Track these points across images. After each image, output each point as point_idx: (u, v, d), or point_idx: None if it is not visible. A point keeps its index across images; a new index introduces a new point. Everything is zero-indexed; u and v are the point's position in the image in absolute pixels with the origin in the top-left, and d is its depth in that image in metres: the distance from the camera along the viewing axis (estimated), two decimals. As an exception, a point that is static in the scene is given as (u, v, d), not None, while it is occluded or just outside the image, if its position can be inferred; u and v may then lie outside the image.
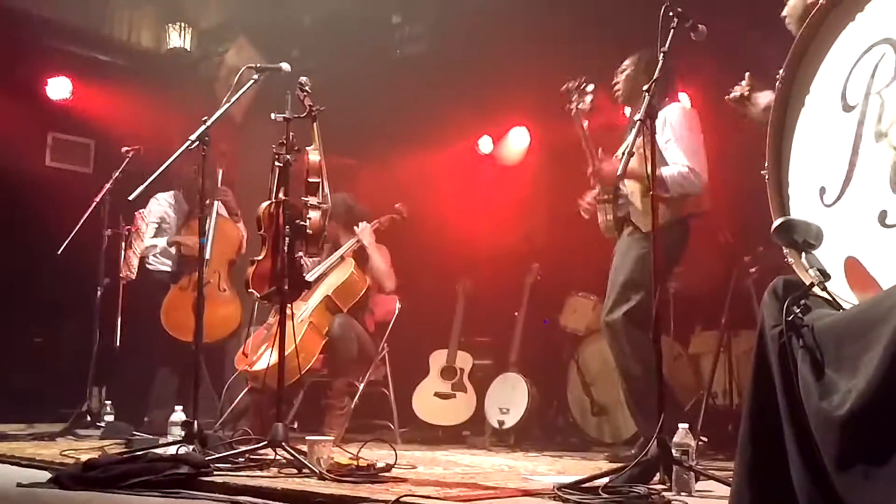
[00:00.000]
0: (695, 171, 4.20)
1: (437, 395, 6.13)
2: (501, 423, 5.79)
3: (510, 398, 5.84)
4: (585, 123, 4.35)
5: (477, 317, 6.60)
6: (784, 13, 3.66)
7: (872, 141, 2.00)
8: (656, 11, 3.31)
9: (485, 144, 7.45)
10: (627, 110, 5.51)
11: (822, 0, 2.18)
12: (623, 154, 4.41)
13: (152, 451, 3.54)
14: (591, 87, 4.38)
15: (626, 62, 4.57)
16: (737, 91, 3.72)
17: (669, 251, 4.15)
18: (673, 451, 2.99)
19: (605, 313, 4.38)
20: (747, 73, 3.68)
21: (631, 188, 4.39)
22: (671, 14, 3.29)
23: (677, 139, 4.27)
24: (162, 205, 6.11)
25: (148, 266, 6.04)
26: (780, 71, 2.31)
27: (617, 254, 4.45)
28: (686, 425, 3.18)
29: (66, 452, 3.99)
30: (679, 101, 4.52)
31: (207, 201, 5.70)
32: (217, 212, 5.79)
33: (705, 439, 4.76)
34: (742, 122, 3.80)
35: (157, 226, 6.09)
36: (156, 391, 5.74)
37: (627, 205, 4.42)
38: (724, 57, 4.92)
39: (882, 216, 1.95)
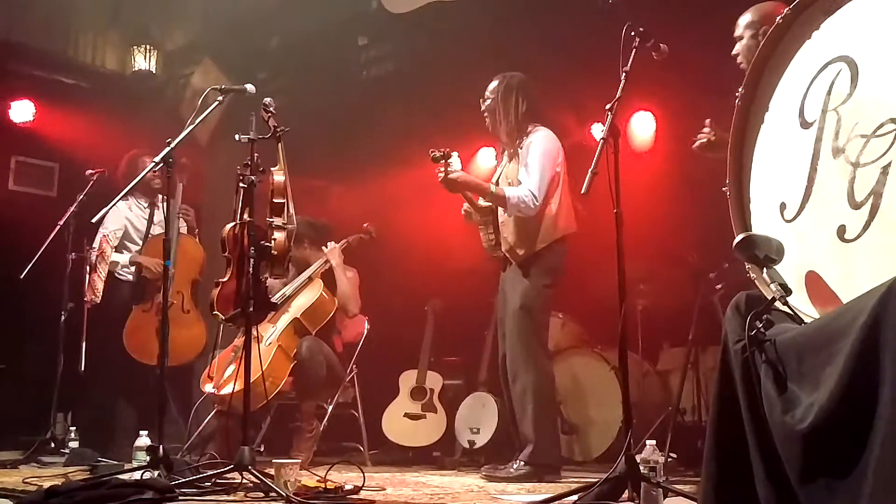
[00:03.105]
0: (534, 196, 4.53)
1: (407, 415, 6.10)
2: (472, 442, 5.76)
3: (480, 418, 5.82)
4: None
5: (446, 336, 6.58)
6: (735, 51, 3.74)
7: (830, 157, 2.03)
8: (617, 36, 3.35)
9: (454, 163, 7.45)
10: (595, 129, 5.59)
11: (778, 18, 2.21)
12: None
13: (116, 476, 3.48)
14: (455, 155, 4.66)
15: (489, 86, 4.85)
16: (702, 138, 3.77)
17: (546, 275, 4.62)
18: (641, 467, 2.99)
19: (507, 344, 4.63)
20: (708, 120, 3.74)
21: (503, 218, 4.68)
22: (633, 34, 3.32)
23: (532, 162, 4.60)
24: (120, 213, 6.00)
25: (118, 276, 5.95)
26: (740, 88, 2.34)
27: (506, 282, 4.72)
28: (654, 441, 3.19)
29: (28, 480, 3.91)
30: (546, 128, 4.77)
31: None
32: (178, 230, 5.74)
33: (674, 455, 4.78)
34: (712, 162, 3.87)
35: (120, 234, 6.01)
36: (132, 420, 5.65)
37: (502, 235, 4.69)
38: (691, 76, 4.99)
39: (841, 231, 1.97)
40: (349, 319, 5.66)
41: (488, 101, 4.82)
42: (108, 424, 5.75)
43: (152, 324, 5.36)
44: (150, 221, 6.03)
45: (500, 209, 4.70)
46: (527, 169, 4.59)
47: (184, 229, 5.85)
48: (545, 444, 4.47)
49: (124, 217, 5.99)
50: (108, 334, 5.77)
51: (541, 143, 4.64)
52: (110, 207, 3.88)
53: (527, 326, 4.58)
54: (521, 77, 4.82)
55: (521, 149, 4.68)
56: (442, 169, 4.57)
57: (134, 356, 5.60)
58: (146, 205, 6.04)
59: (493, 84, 4.83)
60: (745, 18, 3.70)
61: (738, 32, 3.73)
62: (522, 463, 4.39)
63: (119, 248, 5.98)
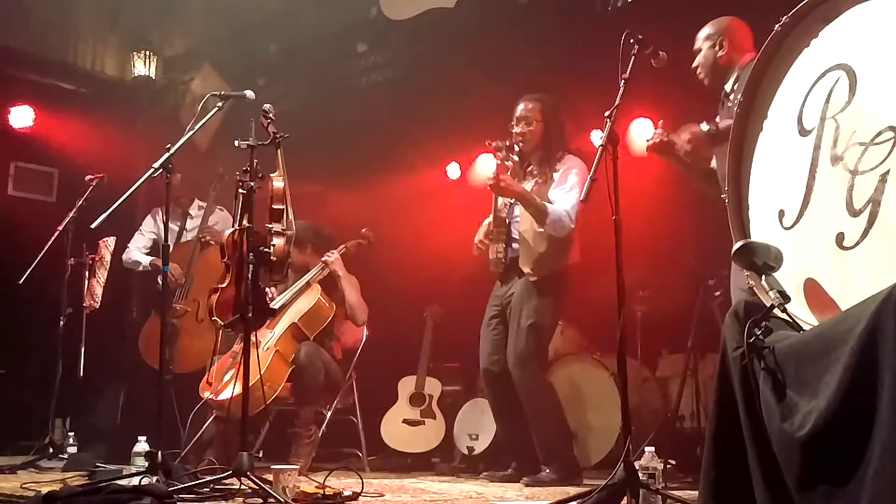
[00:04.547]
0: (570, 217, 4.60)
1: (405, 421, 6.09)
2: (471, 449, 5.75)
3: (479, 424, 5.81)
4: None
5: (445, 342, 6.57)
6: (695, 64, 3.80)
7: (828, 165, 2.03)
8: (616, 43, 3.35)
9: (452, 171, 7.45)
10: (594, 136, 5.60)
11: (777, 26, 2.22)
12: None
13: (115, 482, 3.47)
14: (515, 158, 4.76)
15: (529, 107, 4.82)
16: (655, 139, 3.82)
17: (560, 297, 4.76)
18: (640, 474, 2.99)
19: (511, 357, 4.67)
20: (660, 121, 3.80)
21: (524, 233, 4.74)
22: (632, 41, 3.33)
23: (570, 186, 4.67)
24: (158, 220, 6.21)
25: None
26: (738, 96, 2.34)
27: (515, 295, 4.75)
28: (653, 448, 3.19)
29: (27, 485, 3.91)
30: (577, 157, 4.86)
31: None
32: (201, 240, 6.00)
33: (673, 462, 4.78)
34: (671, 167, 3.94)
35: (152, 240, 6.27)
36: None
37: (518, 250, 4.75)
38: (690, 83, 4.99)
39: (839, 238, 1.97)
40: (350, 324, 5.65)
41: (533, 125, 4.78)
42: (108, 429, 5.76)
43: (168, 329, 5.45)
44: (182, 230, 6.28)
45: (511, 226, 4.79)
46: (564, 191, 4.66)
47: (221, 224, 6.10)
48: (570, 463, 4.63)
49: (159, 224, 6.17)
50: (107, 340, 5.79)
51: (579, 171, 4.71)
52: (109, 213, 3.87)
53: (538, 348, 4.70)
54: (554, 102, 4.89)
55: (557, 172, 4.75)
56: (500, 156, 4.68)
57: (146, 360, 5.74)
58: (179, 213, 6.27)
59: (532, 105, 4.81)
60: (704, 32, 3.82)
61: (697, 45, 3.81)
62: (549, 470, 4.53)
63: (150, 253, 6.24)
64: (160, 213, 6.22)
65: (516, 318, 4.70)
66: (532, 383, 4.66)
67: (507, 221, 4.81)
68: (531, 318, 4.64)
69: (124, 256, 6.20)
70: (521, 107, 4.82)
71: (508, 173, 4.71)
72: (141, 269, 6.20)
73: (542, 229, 4.63)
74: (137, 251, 6.26)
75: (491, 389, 4.88)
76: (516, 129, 4.80)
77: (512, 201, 4.81)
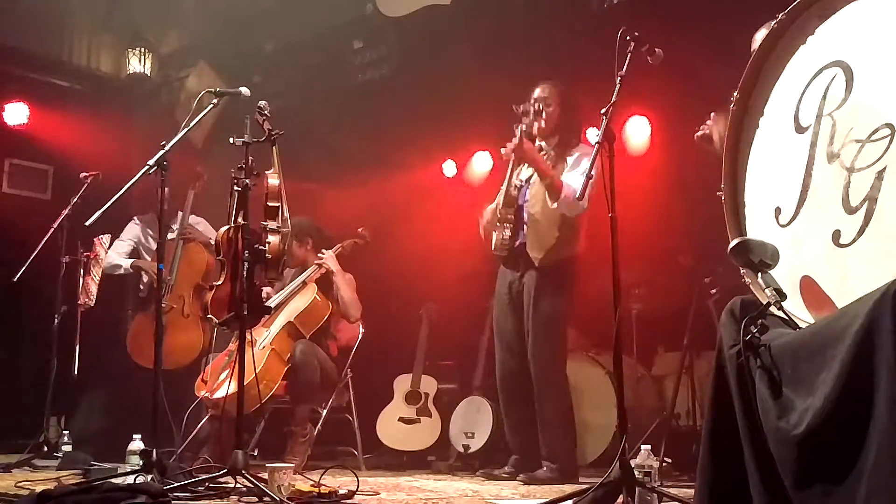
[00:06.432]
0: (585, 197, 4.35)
1: (401, 420, 6.09)
2: (467, 447, 5.75)
3: (475, 422, 5.81)
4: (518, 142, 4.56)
5: (441, 341, 6.57)
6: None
7: (825, 162, 2.03)
8: (612, 41, 3.34)
9: (448, 168, 7.45)
10: (590, 133, 5.59)
11: (773, 23, 2.21)
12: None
13: (109, 480, 3.46)
14: (542, 125, 4.63)
15: (547, 90, 4.76)
16: (705, 129, 3.75)
17: (571, 287, 4.68)
18: (636, 472, 2.99)
19: (532, 351, 4.62)
20: (713, 113, 3.72)
21: (536, 215, 4.64)
22: (628, 38, 3.31)
23: (584, 172, 4.44)
24: (137, 225, 6.13)
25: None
26: (735, 93, 2.33)
27: (527, 286, 4.68)
28: (649, 446, 3.19)
29: (21, 483, 3.91)
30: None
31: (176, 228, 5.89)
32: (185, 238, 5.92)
33: (669, 460, 4.78)
34: (710, 157, 3.86)
35: (132, 246, 6.13)
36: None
37: (526, 235, 4.68)
38: (686, 81, 4.99)
39: (836, 236, 1.96)
40: (346, 323, 5.64)
41: (551, 107, 4.71)
42: (102, 427, 5.74)
43: (153, 328, 5.41)
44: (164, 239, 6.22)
45: (522, 209, 4.71)
46: (577, 173, 4.53)
47: (201, 227, 6.04)
48: (571, 464, 4.59)
49: (139, 233, 6.13)
50: (101, 338, 5.77)
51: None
52: (104, 210, 3.86)
53: (558, 341, 4.66)
54: (571, 90, 4.83)
55: (571, 157, 4.67)
56: (527, 122, 4.56)
57: (136, 360, 5.66)
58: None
59: (550, 89, 4.76)
60: (762, 33, 3.66)
61: (754, 47, 3.68)
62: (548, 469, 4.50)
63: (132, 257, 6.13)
64: (141, 221, 6.21)
65: (532, 311, 4.64)
66: (550, 378, 4.62)
67: (519, 203, 4.74)
68: (549, 313, 4.60)
69: (104, 263, 6.02)
70: (538, 89, 4.78)
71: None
72: (122, 271, 6.03)
73: (554, 205, 4.52)
74: (117, 255, 6.08)
75: (506, 381, 4.81)
76: (535, 109, 4.72)
77: (525, 181, 4.74)
